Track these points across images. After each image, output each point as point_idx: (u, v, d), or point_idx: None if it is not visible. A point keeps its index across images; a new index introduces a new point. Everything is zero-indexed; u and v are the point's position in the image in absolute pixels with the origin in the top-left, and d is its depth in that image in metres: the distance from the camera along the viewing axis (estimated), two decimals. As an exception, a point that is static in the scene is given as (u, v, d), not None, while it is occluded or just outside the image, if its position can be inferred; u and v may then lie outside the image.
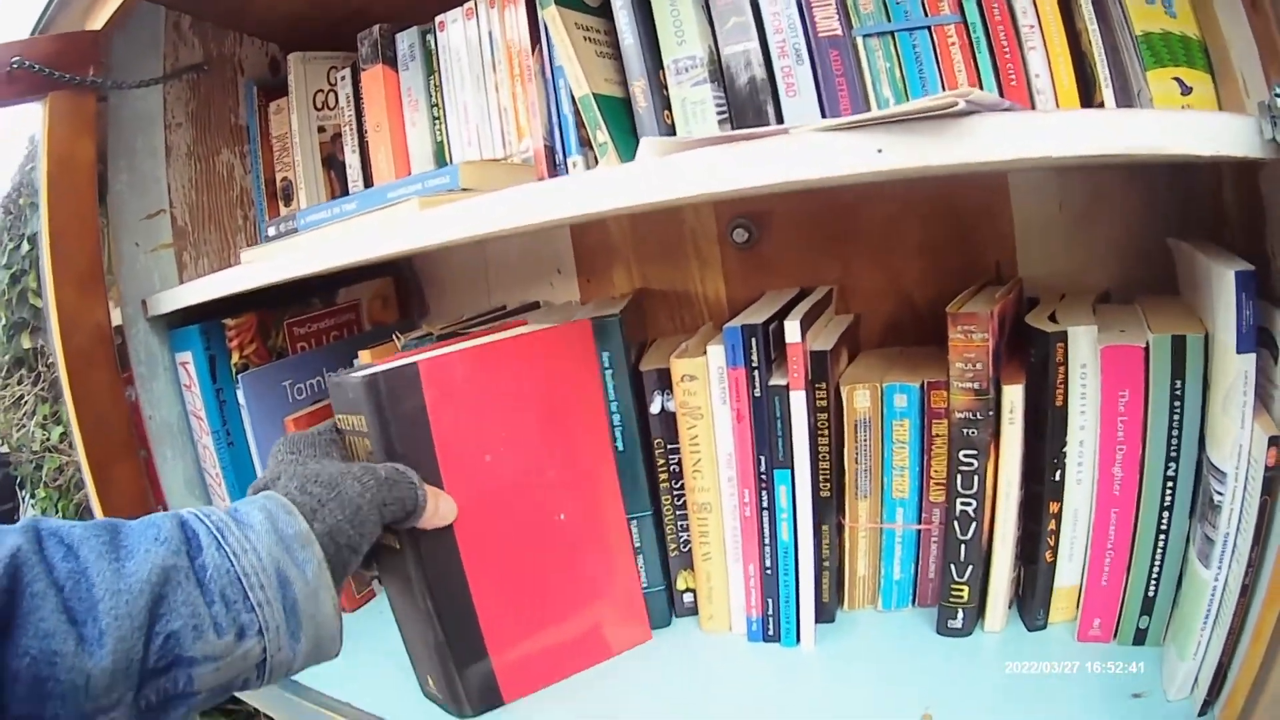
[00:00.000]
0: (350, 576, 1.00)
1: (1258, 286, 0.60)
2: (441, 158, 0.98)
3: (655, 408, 0.87)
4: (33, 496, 1.86)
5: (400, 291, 1.20)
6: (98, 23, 0.94)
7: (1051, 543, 0.78)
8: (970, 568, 0.80)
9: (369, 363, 0.82)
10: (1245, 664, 0.58)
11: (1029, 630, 0.80)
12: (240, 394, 0.97)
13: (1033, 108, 0.73)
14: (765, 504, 0.83)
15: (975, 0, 0.74)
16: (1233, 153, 0.52)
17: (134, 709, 0.50)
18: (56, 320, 0.95)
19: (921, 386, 0.82)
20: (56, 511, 1.36)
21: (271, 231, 0.94)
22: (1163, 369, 0.68)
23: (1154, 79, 0.66)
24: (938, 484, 0.82)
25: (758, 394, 0.81)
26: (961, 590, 0.80)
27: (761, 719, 0.77)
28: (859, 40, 0.77)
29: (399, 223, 0.79)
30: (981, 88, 0.74)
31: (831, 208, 0.98)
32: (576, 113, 0.86)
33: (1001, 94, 0.73)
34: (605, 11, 0.85)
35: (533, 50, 0.90)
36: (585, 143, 0.87)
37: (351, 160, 1.01)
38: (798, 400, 0.79)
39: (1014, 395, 0.76)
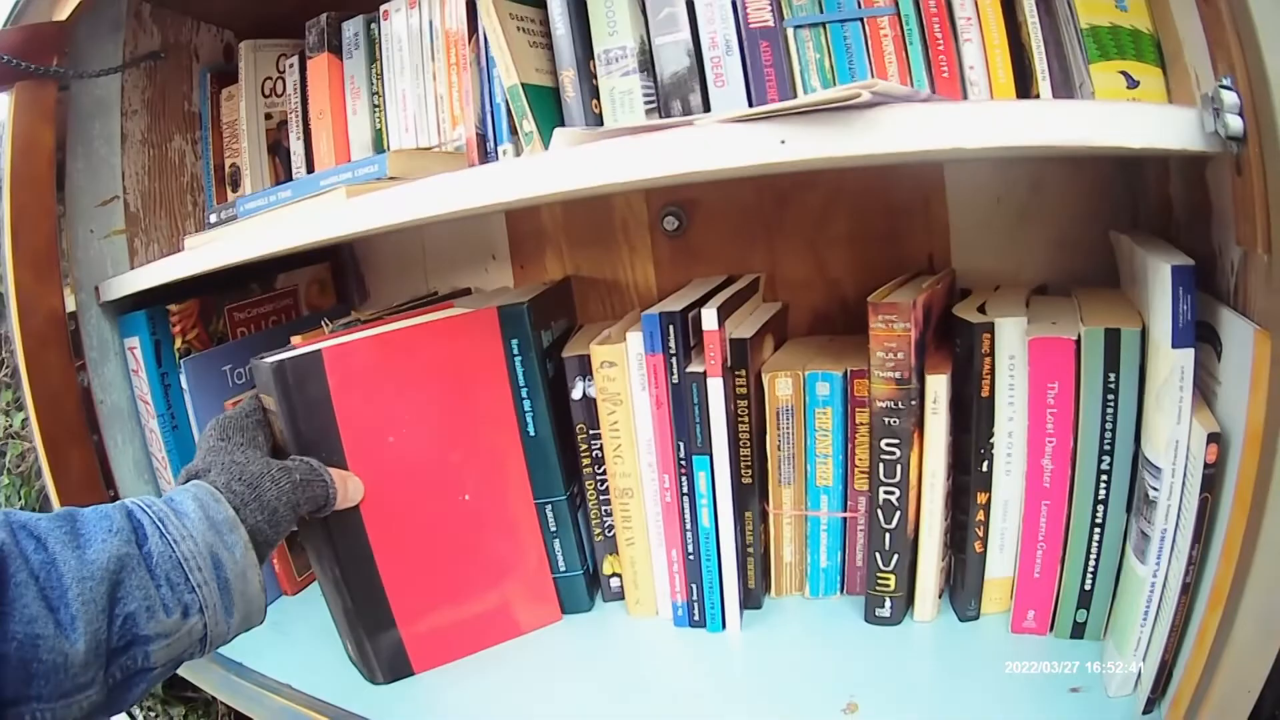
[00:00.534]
0: (293, 559, 0.91)
1: (1199, 281, 0.53)
2: (380, 145, 0.87)
3: (577, 393, 0.76)
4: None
5: (339, 277, 1.10)
6: (64, 13, 0.85)
7: (980, 533, 0.68)
8: (896, 556, 0.70)
9: (299, 345, 0.73)
10: (1190, 664, 0.52)
11: (961, 620, 0.71)
12: (183, 378, 0.87)
13: (964, 100, 0.64)
14: (685, 489, 0.72)
15: (911, -9, 0.65)
16: (1166, 146, 0.45)
17: (104, 686, 0.50)
18: (15, 305, 0.87)
19: (845, 375, 0.71)
20: (19, 499, 1.25)
21: (214, 219, 0.84)
22: (1095, 362, 0.60)
23: (1098, 72, 0.57)
24: (862, 472, 0.72)
25: (676, 381, 0.70)
26: (888, 579, 0.71)
27: (680, 701, 0.68)
28: (790, 31, 0.68)
29: (325, 211, 0.70)
30: (911, 80, 0.65)
31: (763, 197, 0.88)
32: (508, 101, 0.76)
33: (932, 86, 0.65)
34: (539, 1, 0.75)
35: (470, 39, 0.79)
36: (516, 131, 0.77)
37: (296, 147, 0.90)
38: (715, 387, 0.68)
39: (938, 385, 0.65)
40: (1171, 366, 0.53)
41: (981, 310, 0.66)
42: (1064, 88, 0.62)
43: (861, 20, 0.66)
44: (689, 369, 0.70)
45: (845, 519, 0.74)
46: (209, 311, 0.91)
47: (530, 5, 0.77)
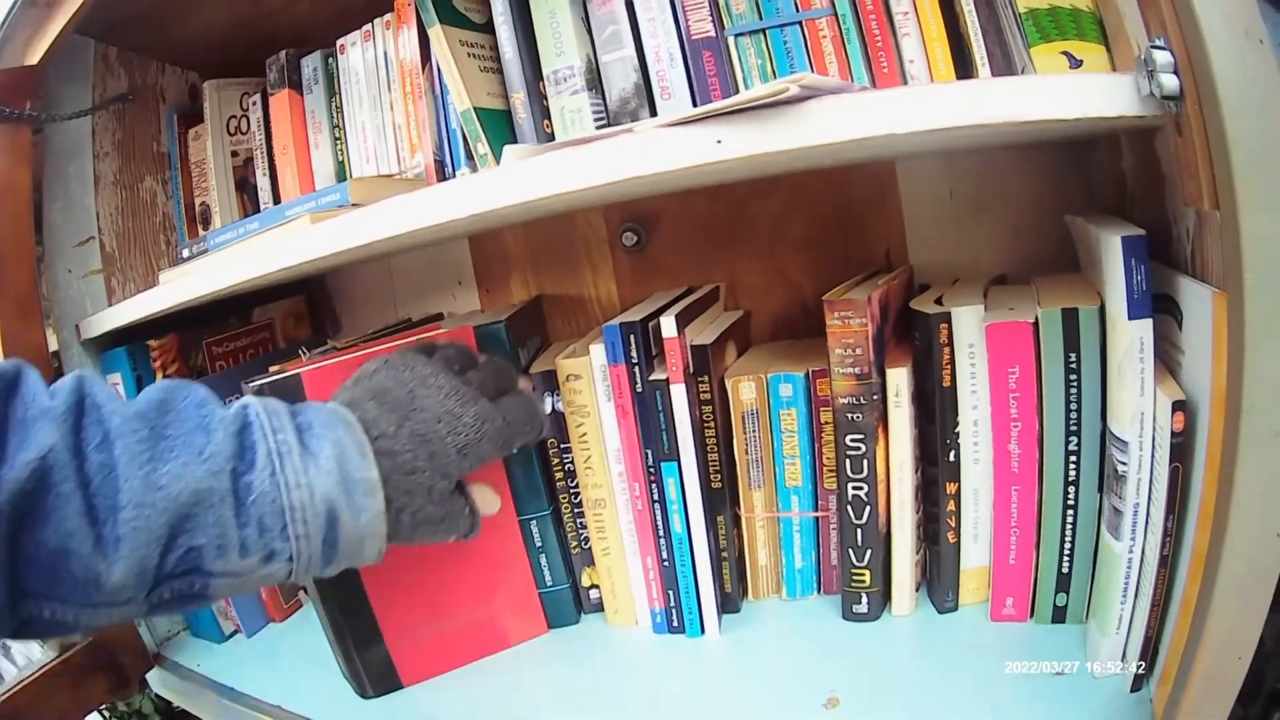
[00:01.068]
0: (279, 588, 0.85)
1: (1156, 253, 0.50)
2: (342, 176, 0.82)
3: (546, 408, 0.70)
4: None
5: (313, 309, 1.05)
6: (35, 57, 0.80)
7: (953, 523, 0.63)
8: (869, 552, 0.65)
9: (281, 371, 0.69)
10: (1175, 637, 0.48)
11: (939, 612, 0.66)
12: (164, 412, 0.81)
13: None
14: (656, 497, 0.67)
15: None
16: (1102, 113, 0.42)
17: (145, 604, 0.43)
18: (1, 344, 0.81)
19: (807, 375, 0.66)
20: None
21: (186, 254, 0.79)
22: (1054, 343, 0.55)
23: (1039, 55, 0.53)
24: (830, 471, 0.67)
25: (639, 390, 0.65)
26: (863, 575, 0.65)
27: (661, 705, 0.63)
28: (731, 39, 0.64)
29: (292, 238, 0.66)
30: (851, 77, 0.61)
31: (719, 208, 0.83)
32: (463, 126, 0.72)
33: (873, 81, 0.61)
34: (490, 27, 0.71)
35: (423, 68, 0.75)
36: (472, 155, 0.73)
37: (262, 183, 0.85)
38: (678, 393, 0.64)
39: (899, 378, 0.61)
40: (1130, 338, 0.49)
41: (939, 302, 0.61)
42: (1006, 73, 0.57)
43: (800, 23, 0.62)
44: (652, 377, 0.65)
45: (817, 518, 0.69)
46: (188, 346, 0.86)
47: (480, 31, 0.73)
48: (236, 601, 0.83)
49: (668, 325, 0.63)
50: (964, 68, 0.59)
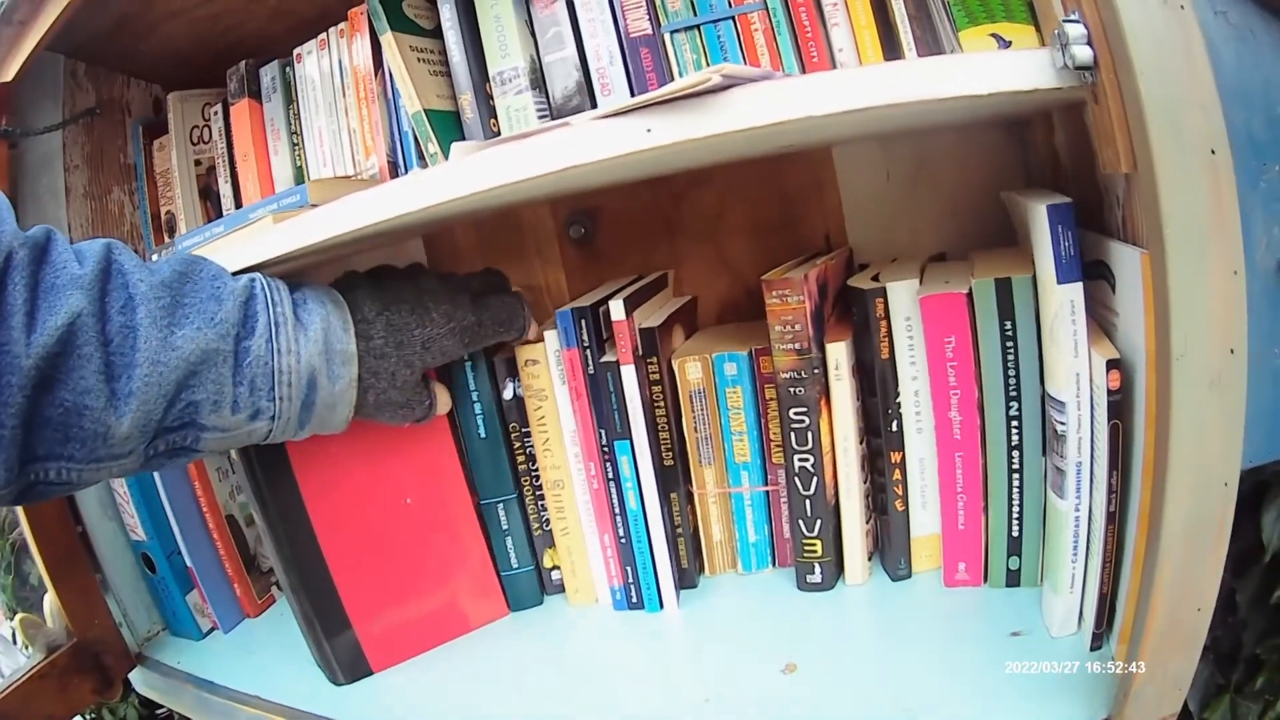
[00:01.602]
0: (253, 583, 0.81)
1: (1087, 221, 0.49)
2: (301, 179, 0.78)
3: (508, 394, 0.67)
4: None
5: None
6: (9, 75, 0.76)
7: (900, 492, 0.61)
8: (819, 522, 0.62)
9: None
10: (1129, 592, 0.46)
11: (893, 580, 0.63)
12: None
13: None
14: (611, 475, 0.64)
15: (776, -15, 0.59)
16: (1018, 87, 0.41)
17: (143, 456, 0.45)
18: None
19: (750, 354, 0.63)
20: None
21: (155, 259, 0.75)
22: (988, 312, 0.53)
23: (968, 38, 0.51)
24: (777, 445, 0.64)
25: (592, 372, 0.62)
26: (814, 545, 0.63)
27: (623, 679, 0.60)
28: (667, 36, 0.62)
29: (255, 238, 0.62)
30: (783, 68, 0.59)
31: (661, 199, 0.80)
32: (414, 128, 0.69)
33: (803, 71, 0.59)
34: (439, 33, 0.69)
35: (376, 74, 0.71)
36: (423, 155, 0.70)
37: (225, 190, 0.81)
38: (628, 374, 0.61)
39: (838, 352, 0.58)
40: (1060, 301, 0.47)
41: (876, 279, 0.59)
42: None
43: (733, 19, 0.60)
44: (603, 359, 0.62)
45: (768, 492, 0.66)
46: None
47: (429, 37, 0.70)
48: (212, 599, 0.78)
49: (616, 309, 0.60)
50: (893, 54, 0.56)
